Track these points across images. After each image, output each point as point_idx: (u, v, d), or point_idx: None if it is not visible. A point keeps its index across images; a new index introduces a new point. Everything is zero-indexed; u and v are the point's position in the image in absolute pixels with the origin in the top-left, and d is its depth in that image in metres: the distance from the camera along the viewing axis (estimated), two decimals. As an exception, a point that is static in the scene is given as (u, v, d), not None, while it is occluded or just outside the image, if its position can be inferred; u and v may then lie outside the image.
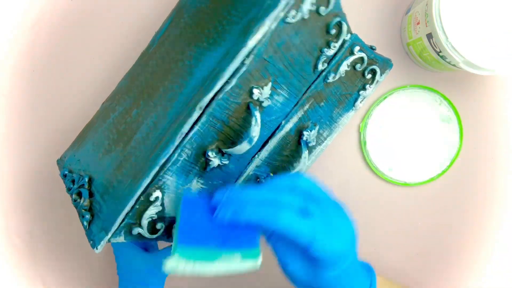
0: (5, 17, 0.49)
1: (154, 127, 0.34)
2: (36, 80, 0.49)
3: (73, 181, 0.38)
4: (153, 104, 0.36)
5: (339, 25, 0.36)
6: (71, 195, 0.38)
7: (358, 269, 0.37)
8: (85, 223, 0.35)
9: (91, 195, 0.36)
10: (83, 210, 0.36)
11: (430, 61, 0.45)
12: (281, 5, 0.31)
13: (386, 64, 0.43)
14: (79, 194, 0.37)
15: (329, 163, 0.49)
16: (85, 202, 0.36)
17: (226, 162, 0.36)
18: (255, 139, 0.34)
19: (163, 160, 0.32)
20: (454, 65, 0.41)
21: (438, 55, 0.42)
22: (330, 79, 0.38)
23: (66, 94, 0.50)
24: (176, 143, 0.32)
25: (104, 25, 0.49)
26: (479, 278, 0.49)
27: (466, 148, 0.48)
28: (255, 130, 0.34)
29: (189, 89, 0.34)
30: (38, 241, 0.50)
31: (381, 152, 0.49)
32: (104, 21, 0.49)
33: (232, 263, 0.32)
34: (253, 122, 0.33)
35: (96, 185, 0.36)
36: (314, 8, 0.33)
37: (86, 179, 0.37)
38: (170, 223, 0.36)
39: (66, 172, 0.39)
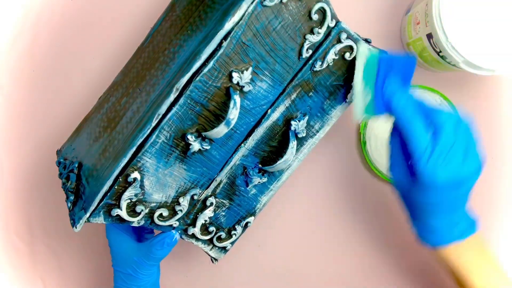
0: (5, 17, 0.49)
1: (136, 111, 0.35)
2: (36, 80, 0.49)
3: (64, 167, 0.39)
4: (139, 91, 0.37)
5: (322, 11, 0.36)
6: (61, 179, 0.39)
7: (459, 213, 0.38)
8: (69, 204, 0.36)
9: (79, 179, 0.37)
10: (68, 192, 0.37)
11: (430, 61, 0.45)
12: None
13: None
14: (68, 178, 0.38)
15: (329, 163, 0.49)
16: (72, 185, 0.37)
17: (207, 147, 0.36)
18: (233, 122, 0.34)
19: (140, 141, 0.33)
20: (454, 65, 0.41)
21: (438, 55, 0.42)
22: (317, 67, 0.38)
23: (66, 94, 0.50)
24: (153, 123, 0.32)
25: (104, 25, 0.49)
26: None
27: (466, 148, 0.48)
28: (233, 113, 0.34)
29: (170, 73, 0.34)
30: (38, 241, 0.50)
31: (381, 152, 0.48)
32: (104, 20, 0.49)
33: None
34: (231, 105, 0.34)
35: (84, 170, 0.37)
36: None
37: (76, 165, 0.38)
38: (150, 209, 0.37)
39: (61, 160, 0.41)
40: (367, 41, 0.40)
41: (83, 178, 0.37)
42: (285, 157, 0.39)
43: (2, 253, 0.50)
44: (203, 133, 0.35)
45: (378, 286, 0.50)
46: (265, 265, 0.50)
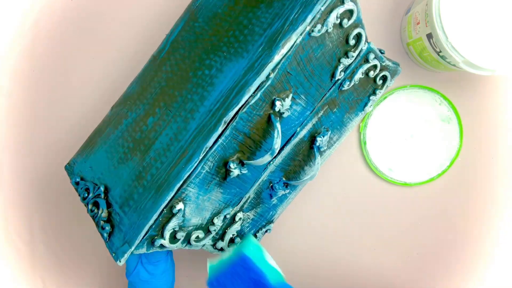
0: (6, 17, 0.49)
1: (175, 139, 0.35)
2: (37, 80, 0.49)
3: (87, 190, 0.38)
4: (171, 114, 0.36)
5: (358, 36, 0.36)
6: (87, 204, 0.37)
7: None
8: (105, 235, 0.35)
9: (108, 205, 0.36)
10: (102, 222, 0.36)
11: (430, 61, 0.45)
12: (308, 20, 0.31)
13: (395, 69, 0.44)
14: (96, 204, 0.37)
15: (329, 163, 0.49)
16: (103, 213, 0.36)
17: (246, 172, 0.36)
18: (277, 150, 0.34)
19: (187, 174, 0.32)
20: (454, 65, 0.41)
21: (438, 55, 0.42)
22: (345, 87, 0.39)
23: (67, 94, 0.49)
24: (201, 157, 0.32)
25: (105, 25, 0.49)
26: (480, 278, 0.49)
27: (466, 148, 0.48)
28: (277, 142, 0.34)
29: (211, 101, 0.34)
30: (38, 241, 0.50)
31: (381, 152, 0.49)
32: (104, 20, 0.49)
33: None
34: (275, 135, 0.34)
35: (113, 195, 0.36)
36: (338, 21, 0.33)
37: (102, 189, 0.37)
38: (188, 233, 0.37)
39: (78, 180, 0.39)
40: (380, 52, 0.41)
41: (114, 205, 0.36)
42: (311, 173, 0.39)
43: (2, 253, 0.50)
44: (247, 162, 0.35)
45: (377, 284, 0.50)
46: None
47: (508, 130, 0.49)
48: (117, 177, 0.37)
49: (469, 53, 0.39)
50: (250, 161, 0.35)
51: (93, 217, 0.36)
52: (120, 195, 0.36)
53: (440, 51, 0.41)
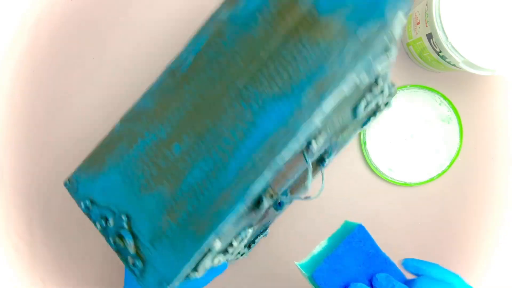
0: (6, 17, 0.49)
1: (212, 176, 0.33)
2: (37, 80, 0.49)
3: (105, 218, 0.36)
4: (204, 146, 0.34)
5: (385, 75, 0.37)
6: (107, 235, 0.36)
7: None
8: (137, 272, 0.34)
9: (134, 237, 0.35)
10: (131, 258, 0.34)
11: (430, 61, 0.45)
12: (359, 71, 0.31)
13: (395, 92, 0.44)
14: (120, 237, 0.35)
15: (329, 163, 0.49)
16: (131, 248, 0.34)
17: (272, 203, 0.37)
18: (309, 187, 0.34)
19: (232, 218, 0.32)
20: (454, 65, 0.41)
21: (438, 55, 0.42)
22: (359, 117, 0.39)
23: (67, 94, 0.49)
24: (246, 201, 0.32)
25: (105, 25, 0.49)
26: (480, 278, 0.49)
27: (466, 148, 0.48)
28: (310, 179, 0.34)
29: (254, 142, 0.33)
30: (38, 241, 0.50)
31: (381, 152, 0.49)
32: (104, 21, 0.49)
33: None
34: (309, 174, 0.34)
35: (137, 226, 0.35)
36: (380, 70, 0.34)
37: (125, 219, 0.35)
38: (212, 259, 0.37)
39: (88, 204, 0.36)
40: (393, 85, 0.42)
41: (141, 238, 0.34)
42: (318, 192, 0.40)
43: (2, 253, 0.50)
44: (282, 200, 0.36)
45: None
46: (264, 266, 0.50)
47: (508, 130, 0.49)
48: (141, 207, 0.35)
49: (469, 53, 0.39)
50: (287, 198, 0.36)
51: (118, 251, 0.35)
52: (147, 227, 0.34)
53: (440, 51, 0.41)
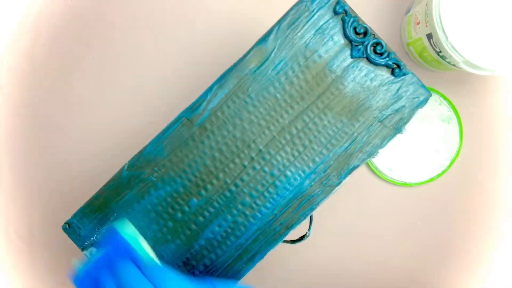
0: (5, 17, 0.49)
1: (232, 233, 0.34)
2: (37, 81, 0.49)
3: None
4: (223, 204, 0.34)
5: None
6: None
7: None
8: None
9: None
10: None
11: (430, 61, 0.45)
12: (375, 151, 0.34)
13: None
14: None
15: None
16: None
17: None
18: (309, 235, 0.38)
19: (248, 272, 0.34)
20: (454, 65, 0.41)
21: (438, 55, 0.42)
22: None
23: (67, 95, 0.49)
24: (263, 259, 0.34)
25: (105, 26, 0.49)
26: (480, 278, 0.49)
27: (466, 148, 0.48)
28: (311, 229, 0.38)
29: (274, 205, 0.34)
30: (38, 241, 0.50)
31: (381, 152, 0.48)
32: (104, 21, 0.49)
33: None
34: (312, 225, 0.38)
35: None
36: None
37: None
38: None
39: (95, 253, 0.35)
40: None
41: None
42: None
43: (2, 253, 0.50)
44: (289, 243, 0.38)
45: (377, 284, 0.50)
46: (262, 266, 0.50)
47: (508, 130, 0.49)
48: (159, 257, 0.35)
49: (469, 53, 0.39)
50: (291, 243, 0.38)
51: None
52: None
53: (440, 51, 0.41)
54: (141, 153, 0.35)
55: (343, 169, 0.33)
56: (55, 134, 0.49)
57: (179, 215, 0.35)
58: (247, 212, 0.34)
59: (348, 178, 0.33)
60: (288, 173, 0.34)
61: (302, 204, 0.33)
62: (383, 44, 0.34)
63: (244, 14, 0.47)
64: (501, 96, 0.48)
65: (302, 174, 0.34)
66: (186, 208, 0.35)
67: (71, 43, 0.49)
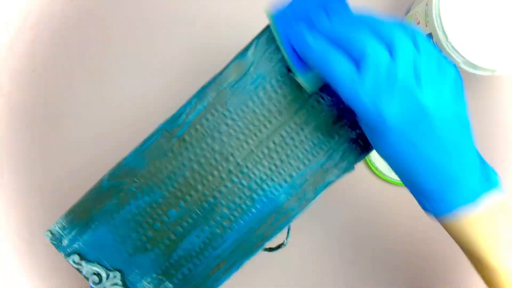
0: (5, 17, 0.49)
1: (209, 244, 0.35)
2: (37, 80, 0.49)
3: (97, 275, 0.36)
4: (201, 215, 0.35)
5: None
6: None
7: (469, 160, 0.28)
8: None
9: None
10: None
11: (430, 61, 0.44)
12: (351, 166, 0.34)
13: None
14: None
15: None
16: None
17: None
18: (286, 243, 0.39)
19: (224, 283, 0.35)
20: (454, 65, 0.41)
21: (438, 55, 0.42)
22: None
23: (66, 94, 0.50)
24: (239, 270, 0.34)
25: (104, 26, 0.49)
26: (481, 278, 0.49)
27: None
28: (288, 238, 0.39)
29: (251, 218, 0.35)
30: (38, 241, 0.50)
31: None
32: (104, 21, 0.49)
33: None
34: (289, 235, 0.39)
35: (132, 282, 0.36)
36: None
37: (119, 277, 0.36)
38: None
39: (78, 260, 0.36)
40: None
41: None
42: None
43: (2, 253, 0.50)
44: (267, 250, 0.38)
45: (377, 284, 0.50)
46: (262, 267, 0.50)
47: (508, 130, 0.49)
48: (135, 265, 0.36)
49: (469, 53, 0.39)
50: (269, 251, 0.39)
51: None
52: (142, 285, 0.36)
53: (440, 51, 0.41)
54: (121, 163, 0.36)
55: (319, 184, 0.34)
56: (54, 134, 0.49)
57: (158, 225, 0.35)
58: (225, 224, 0.35)
59: (325, 190, 0.34)
60: (265, 187, 0.34)
61: (279, 218, 0.34)
62: None
63: (244, 23, 0.47)
64: (501, 96, 0.48)
65: (279, 188, 0.34)
66: (165, 219, 0.35)
67: (71, 43, 0.49)
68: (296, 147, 0.34)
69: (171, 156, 0.35)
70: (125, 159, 0.36)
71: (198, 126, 0.35)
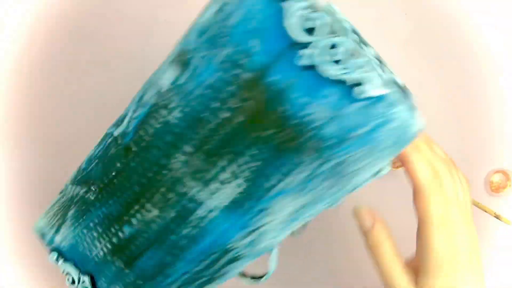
0: (5, 17, 0.49)
1: (160, 272, 0.31)
2: (36, 80, 0.49)
3: (71, 279, 0.36)
4: (154, 238, 0.31)
5: None
6: None
7: None
8: None
9: None
10: None
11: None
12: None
13: None
14: None
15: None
16: None
17: None
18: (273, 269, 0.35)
19: None
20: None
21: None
22: None
23: (66, 94, 0.50)
24: None
25: (104, 26, 0.49)
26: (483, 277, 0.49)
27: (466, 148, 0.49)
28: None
29: (204, 246, 0.30)
30: (38, 241, 0.50)
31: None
32: (104, 21, 0.49)
33: None
34: (273, 264, 0.34)
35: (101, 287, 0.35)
36: None
37: (88, 280, 0.35)
38: None
39: (56, 256, 0.36)
40: None
41: None
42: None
43: (2, 253, 0.50)
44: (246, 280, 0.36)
45: (376, 284, 0.50)
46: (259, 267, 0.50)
47: (508, 130, 0.49)
48: (102, 273, 0.34)
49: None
50: (253, 281, 0.35)
51: None
52: None
53: (440, 51, 0.41)
54: (78, 169, 0.33)
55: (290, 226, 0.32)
56: (54, 133, 0.50)
57: (115, 240, 0.32)
58: (177, 251, 0.31)
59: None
60: (219, 212, 0.29)
61: (231, 256, 0.31)
62: None
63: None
64: (501, 96, 0.49)
65: (232, 217, 0.29)
66: (121, 234, 0.32)
67: (71, 43, 0.49)
68: (252, 158, 0.28)
69: (120, 166, 0.31)
70: (81, 165, 0.33)
71: (143, 134, 0.29)
